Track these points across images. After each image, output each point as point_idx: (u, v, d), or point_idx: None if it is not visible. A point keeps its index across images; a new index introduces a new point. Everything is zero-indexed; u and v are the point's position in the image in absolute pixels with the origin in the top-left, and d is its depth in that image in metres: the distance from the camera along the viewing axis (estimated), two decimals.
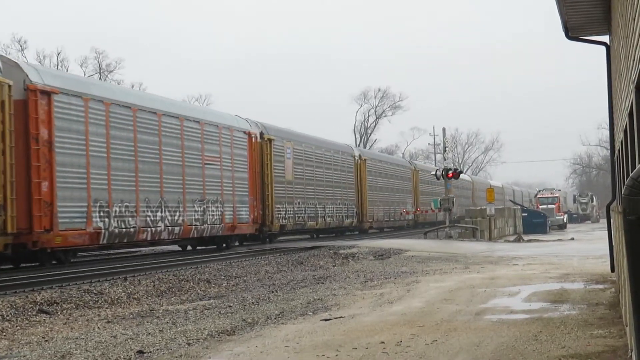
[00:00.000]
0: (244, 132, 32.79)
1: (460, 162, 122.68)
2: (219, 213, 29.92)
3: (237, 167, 31.81)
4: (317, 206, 40.49)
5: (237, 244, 33.61)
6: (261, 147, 34.19)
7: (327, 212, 41.71)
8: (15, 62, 21.94)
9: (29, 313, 13.41)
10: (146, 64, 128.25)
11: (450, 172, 42.00)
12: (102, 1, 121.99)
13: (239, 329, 11.13)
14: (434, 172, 46.73)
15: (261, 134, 34.40)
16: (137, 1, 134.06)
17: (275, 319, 12.12)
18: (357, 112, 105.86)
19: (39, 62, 68.75)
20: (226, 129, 31.09)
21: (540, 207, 65.84)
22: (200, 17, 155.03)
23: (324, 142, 43.59)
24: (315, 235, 43.08)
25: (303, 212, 38.53)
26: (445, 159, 51.89)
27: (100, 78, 71.10)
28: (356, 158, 47.02)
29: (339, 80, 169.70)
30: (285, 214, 36.15)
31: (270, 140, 34.99)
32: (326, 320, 11.70)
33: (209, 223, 29.04)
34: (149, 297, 16.00)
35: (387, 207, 52.09)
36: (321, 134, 46.12)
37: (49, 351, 9.75)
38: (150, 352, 9.58)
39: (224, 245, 31.70)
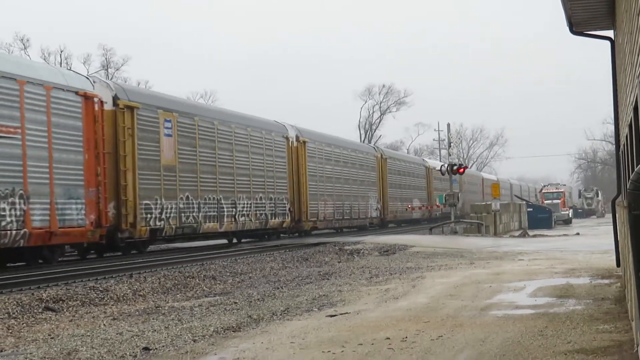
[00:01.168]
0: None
1: (465, 157, 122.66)
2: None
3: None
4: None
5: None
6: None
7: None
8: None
9: (35, 310, 13.44)
10: (150, 61, 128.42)
11: (457, 167, 41.92)
12: (106, 2, 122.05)
13: (245, 326, 11.15)
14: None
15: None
16: (139, 2, 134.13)
17: (280, 315, 12.13)
18: (361, 108, 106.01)
19: (44, 59, 68.84)
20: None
21: (546, 202, 65.77)
22: (205, 15, 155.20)
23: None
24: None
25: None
26: (450, 155, 52.15)
27: (106, 75, 71.17)
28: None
29: (344, 77, 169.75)
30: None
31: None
32: (332, 316, 11.71)
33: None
34: (155, 294, 16.03)
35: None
36: (327, 130, 46.54)
37: (55, 348, 9.77)
38: (156, 348, 9.60)
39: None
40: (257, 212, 32.92)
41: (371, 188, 48.06)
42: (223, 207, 30.26)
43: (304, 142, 38.06)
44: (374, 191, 48.61)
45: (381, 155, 51.00)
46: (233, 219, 30.81)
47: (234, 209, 30.91)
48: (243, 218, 31.68)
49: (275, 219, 34.66)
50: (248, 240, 34.93)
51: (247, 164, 32.30)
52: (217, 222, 29.77)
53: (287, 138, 36.41)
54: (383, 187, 50.16)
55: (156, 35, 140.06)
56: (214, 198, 29.53)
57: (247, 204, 32.08)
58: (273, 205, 34.29)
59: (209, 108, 33.76)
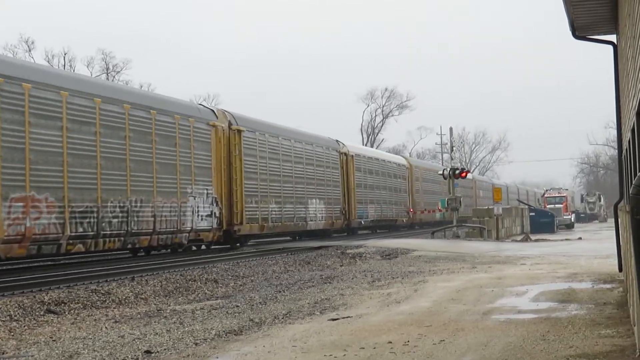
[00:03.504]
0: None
1: (467, 161, 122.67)
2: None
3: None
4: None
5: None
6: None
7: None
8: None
9: (37, 313, 13.45)
10: (152, 63, 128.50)
11: (459, 171, 41.93)
12: (107, 3, 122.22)
13: (247, 329, 11.14)
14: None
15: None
16: (140, 3, 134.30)
17: (282, 318, 12.13)
18: (364, 111, 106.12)
19: (48, 62, 68.96)
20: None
21: (548, 206, 65.69)
22: (207, 16, 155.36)
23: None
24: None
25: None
26: (452, 159, 52.12)
27: (107, 78, 71.27)
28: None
29: (346, 79, 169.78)
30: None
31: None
32: (333, 320, 11.71)
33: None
34: (157, 297, 16.03)
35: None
36: (329, 134, 46.46)
37: (57, 351, 9.77)
38: (157, 352, 9.60)
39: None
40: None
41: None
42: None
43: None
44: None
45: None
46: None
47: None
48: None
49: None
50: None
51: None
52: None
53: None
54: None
55: (156, 36, 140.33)
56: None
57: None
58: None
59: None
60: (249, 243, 34.20)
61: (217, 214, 29.80)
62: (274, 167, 34.81)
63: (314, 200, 38.72)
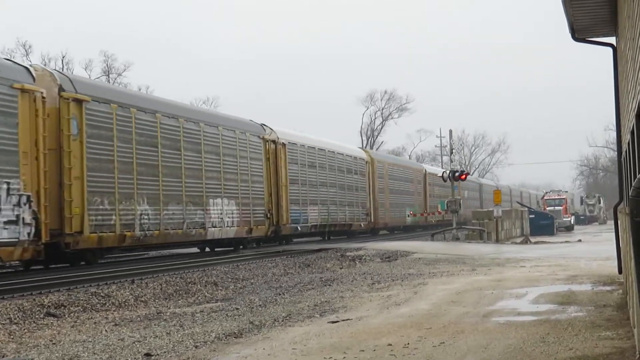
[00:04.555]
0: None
1: (467, 164, 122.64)
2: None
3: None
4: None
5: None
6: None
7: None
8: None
9: (37, 316, 13.45)
10: (151, 64, 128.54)
11: (459, 173, 41.92)
12: (105, 3, 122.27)
13: (246, 332, 11.14)
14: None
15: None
16: (139, 3, 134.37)
17: (282, 321, 12.13)
18: (363, 114, 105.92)
19: (44, 64, 68.94)
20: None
21: (548, 208, 65.70)
22: (206, 18, 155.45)
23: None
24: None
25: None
26: (452, 161, 51.76)
27: (108, 81, 71.31)
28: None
29: (346, 81, 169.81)
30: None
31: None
32: (333, 322, 11.71)
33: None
34: (157, 300, 16.03)
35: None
36: (328, 136, 46.31)
37: (57, 354, 9.77)
38: (157, 354, 9.60)
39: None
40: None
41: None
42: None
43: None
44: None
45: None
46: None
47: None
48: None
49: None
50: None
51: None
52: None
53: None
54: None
55: (156, 37, 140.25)
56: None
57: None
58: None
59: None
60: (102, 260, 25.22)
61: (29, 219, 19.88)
62: (144, 154, 25.32)
63: (220, 200, 29.58)
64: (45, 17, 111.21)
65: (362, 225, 46.93)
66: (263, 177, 33.59)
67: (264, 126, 35.16)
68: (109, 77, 74.41)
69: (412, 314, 12.27)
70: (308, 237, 40.96)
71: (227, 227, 30.19)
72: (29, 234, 19.73)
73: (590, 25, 15.20)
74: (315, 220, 39.34)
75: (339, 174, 43.25)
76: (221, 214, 29.74)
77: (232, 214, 30.65)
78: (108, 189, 23.24)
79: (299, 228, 37.04)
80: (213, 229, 29.06)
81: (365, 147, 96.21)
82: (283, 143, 35.96)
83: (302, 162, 38.19)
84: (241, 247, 32.55)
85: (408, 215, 55.27)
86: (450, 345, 9.40)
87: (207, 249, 32.21)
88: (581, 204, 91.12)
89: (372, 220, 48.28)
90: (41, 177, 20.29)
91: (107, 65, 75.68)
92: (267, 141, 34.38)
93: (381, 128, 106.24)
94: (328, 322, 11.72)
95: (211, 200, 29.07)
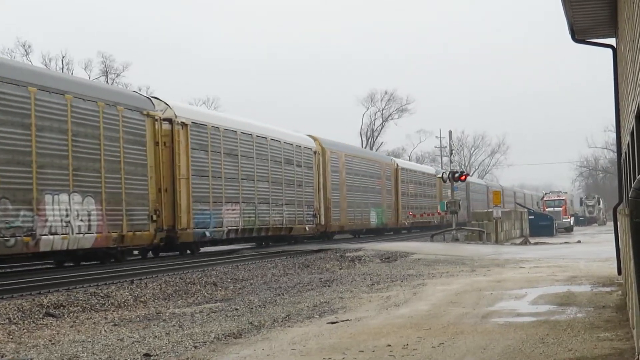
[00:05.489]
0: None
1: (467, 164, 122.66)
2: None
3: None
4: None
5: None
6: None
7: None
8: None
9: (36, 316, 13.44)
10: (151, 64, 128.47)
11: (458, 174, 41.93)
12: (106, 3, 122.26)
13: (246, 332, 11.14)
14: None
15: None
16: (139, 4, 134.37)
17: (281, 321, 12.13)
18: (363, 114, 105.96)
19: (45, 65, 68.93)
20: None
21: (547, 209, 65.73)
22: (205, 19, 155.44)
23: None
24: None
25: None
26: (451, 162, 51.67)
27: (106, 81, 71.29)
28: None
29: (346, 82, 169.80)
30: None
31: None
32: (333, 323, 11.71)
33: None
34: (156, 300, 16.02)
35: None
36: (330, 136, 45.85)
37: (56, 354, 9.77)
38: (157, 355, 9.60)
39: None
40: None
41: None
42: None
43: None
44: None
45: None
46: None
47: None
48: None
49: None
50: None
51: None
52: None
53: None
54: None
55: (155, 38, 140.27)
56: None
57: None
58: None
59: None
60: None
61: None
62: None
63: (67, 196, 21.33)
64: (45, 16, 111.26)
65: (308, 229, 37.90)
66: (147, 166, 25.49)
67: (154, 100, 27.31)
68: (107, 78, 74.38)
69: (411, 315, 12.27)
70: (227, 244, 33.53)
71: (80, 234, 21.92)
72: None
73: (590, 27, 15.21)
74: (236, 224, 30.66)
75: (273, 166, 34.49)
76: (67, 215, 21.40)
77: (89, 215, 22.41)
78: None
79: (208, 234, 28.78)
80: (51, 236, 20.80)
81: (365, 147, 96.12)
82: (183, 123, 27.43)
83: (216, 148, 29.61)
84: (112, 260, 24.70)
85: (373, 218, 48.29)
86: (449, 346, 9.40)
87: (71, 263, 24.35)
88: (580, 205, 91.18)
89: (323, 222, 40.12)
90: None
91: (105, 66, 75.72)
92: (157, 120, 26.21)
93: (381, 129, 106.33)
94: (327, 323, 11.72)
95: (49, 197, 20.75)
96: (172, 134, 26.94)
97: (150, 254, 28.11)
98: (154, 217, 25.56)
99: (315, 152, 39.76)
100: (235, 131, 31.44)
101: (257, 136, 33.32)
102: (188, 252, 29.22)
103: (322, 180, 40.50)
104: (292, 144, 36.99)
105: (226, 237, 30.67)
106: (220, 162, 29.80)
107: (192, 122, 28.17)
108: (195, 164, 27.96)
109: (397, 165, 55.53)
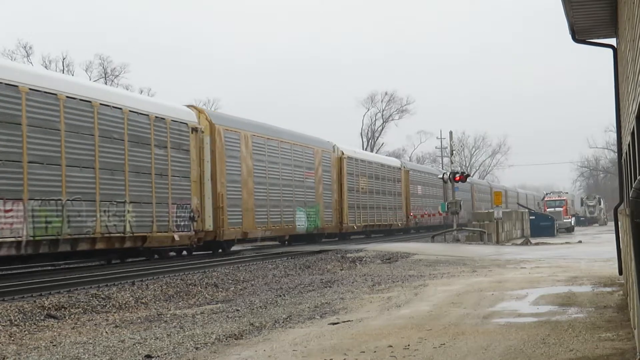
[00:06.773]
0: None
1: (467, 165, 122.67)
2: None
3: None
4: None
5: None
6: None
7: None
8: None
9: (37, 318, 13.45)
10: (151, 63, 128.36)
11: (459, 175, 41.91)
12: (106, 3, 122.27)
13: (247, 333, 11.14)
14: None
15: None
16: (139, 4, 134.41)
17: (283, 322, 12.13)
18: (364, 115, 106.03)
19: (45, 67, 68.96)
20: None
21: (548, 210, 65.75)
22: (205, 19, 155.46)
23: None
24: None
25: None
26: (452, 163, 51.57)
27: (105, 83, 71.27)
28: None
29: (346, 83, 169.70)
30: None
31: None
32: (334, 324, 11.71)
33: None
34: (157, 302, 16.03)
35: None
36: (329, 137, 45.50)
37: (57, 356, 9.77)
38: (158, 356, 9.60)
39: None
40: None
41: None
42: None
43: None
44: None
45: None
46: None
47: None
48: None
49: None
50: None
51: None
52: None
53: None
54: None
55: (155, 38, 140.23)
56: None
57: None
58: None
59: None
60: None
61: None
62: None
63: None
64: (45, 17, 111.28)
65: (177, 238, 27.18)
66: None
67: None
68: (106, 79, 74.38)
69: (412, 316, 12.27)
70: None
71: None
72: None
73: (590, 27, 15.22)
74: (18, 233, 19.51)
75: (106, 144, 23.62)
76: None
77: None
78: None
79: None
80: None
81: (366, 148, 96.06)
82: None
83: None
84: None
85: (302, 220, 37.60)
86: (450, 346, 9.40)
87: None
88: (581, 205, 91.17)
89: (210, 227, 29.57)
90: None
91: (103, 68, 75.72)
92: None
93: (382, 130, 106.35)
94: (328, 324, 11.72)
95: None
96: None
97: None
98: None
99: (194, 130, 28.58)
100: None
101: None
102: None
103: (210, 168, 29.55)
104: (147, 115, 25.90)
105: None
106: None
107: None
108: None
109: (342, 153, 43.89)
